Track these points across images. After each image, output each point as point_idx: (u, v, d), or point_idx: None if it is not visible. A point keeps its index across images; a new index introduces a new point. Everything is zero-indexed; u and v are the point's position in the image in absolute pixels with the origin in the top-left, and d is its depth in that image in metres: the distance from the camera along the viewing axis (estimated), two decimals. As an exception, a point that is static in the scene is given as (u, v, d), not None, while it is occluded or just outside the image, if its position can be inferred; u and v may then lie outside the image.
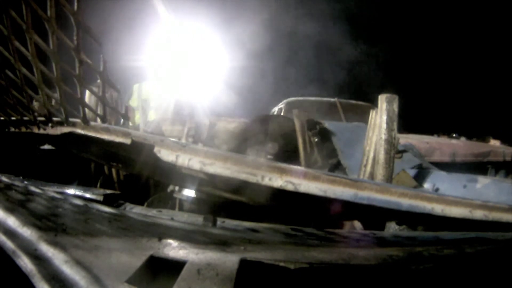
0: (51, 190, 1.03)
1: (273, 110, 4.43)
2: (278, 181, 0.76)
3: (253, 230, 0.87)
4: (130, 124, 2.93)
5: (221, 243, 0.60)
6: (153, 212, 1.07)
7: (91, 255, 0.51)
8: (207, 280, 0.45)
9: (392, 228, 1.39)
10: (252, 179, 0.77)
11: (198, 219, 1.00)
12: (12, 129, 1.16)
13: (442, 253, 0.58)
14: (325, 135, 2.43)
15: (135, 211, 1.05)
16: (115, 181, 2.12)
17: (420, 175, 1.90)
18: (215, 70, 3.87)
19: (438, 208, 0.75)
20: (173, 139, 0.90)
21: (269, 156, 2.28)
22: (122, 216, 0.82)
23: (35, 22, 0.86)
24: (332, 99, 4.04)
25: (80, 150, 1.22)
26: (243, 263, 0.49)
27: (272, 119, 2.70)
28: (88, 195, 1.09)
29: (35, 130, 1.10)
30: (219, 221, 0.94)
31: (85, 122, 0.99)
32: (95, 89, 1.13)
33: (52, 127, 1.05)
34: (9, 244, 0.53)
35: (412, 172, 1.92)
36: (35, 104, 1.15)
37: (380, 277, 0.51)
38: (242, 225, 0.94)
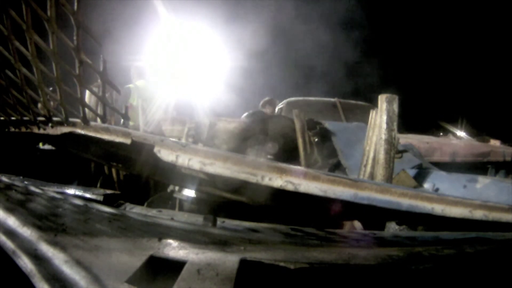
0: (51, 190, 1.03)
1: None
2: (278, 181, 0.76)
3: (253, 230, 0.87)
4: (131, 123, 2.93)
5: (221, 243, 0.60)
6: (153, 212, 1.07)
7: (91, 255, 0.51)
8: (207, 280, 0.45)
9: (392, 228, 1.39)
10: (252, 179, 0.77)
11: (198, 219, 1.00)
12: (12, 129, 1.16)
13: (442, 253, 0.58)
14: (325, 135, 2.43)
15: (135, 211, 1.05)
16: (115, 181, 2.12)
17: (420, 175, 1.90)
18: (216, 70, 3.87)
19: (438, 208, 0.75)
20: (173, 139, 0.90)
21: (269, 156, 2.28)
22: (122, 216, 0.82)
23: (35, 22, 0.86)
24: (332, 99, 4.04)
25: (80, 150, 1.22)
26: (243, 263, 0.49)
27: (272, 119, 2.70)
28: (88, 195, 1.09)
29: (35, 130, 1.10)
30: (219, 221, 0.94)
31: (85, 122, 0.99)
32: (95, 89, 1.13)
33: (52, 127, 1.05)
34: (9, 244, 0.53)
35: (412, 172, 1.92)
36: (35, 104, 1.15)
37: (380, 277, 0.51)
38: (242, 225, 0.94)
